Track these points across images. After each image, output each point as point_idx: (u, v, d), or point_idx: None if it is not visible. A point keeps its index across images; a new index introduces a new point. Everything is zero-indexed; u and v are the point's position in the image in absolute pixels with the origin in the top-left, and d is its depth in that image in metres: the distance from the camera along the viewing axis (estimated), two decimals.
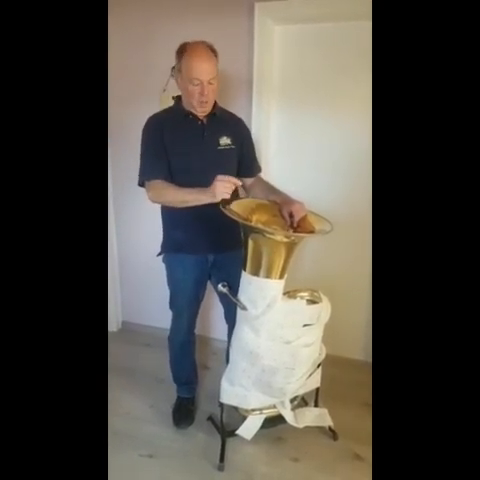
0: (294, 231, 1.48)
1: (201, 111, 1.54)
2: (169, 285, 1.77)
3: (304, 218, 1.47)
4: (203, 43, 1.47)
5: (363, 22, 1.82)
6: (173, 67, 1.54)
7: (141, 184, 1.59)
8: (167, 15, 2.01)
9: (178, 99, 1.62)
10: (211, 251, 1.68)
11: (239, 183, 1.39)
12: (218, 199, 1.35)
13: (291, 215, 1.47)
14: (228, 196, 1.36)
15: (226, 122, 1.64)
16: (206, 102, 1.50)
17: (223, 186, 1.35)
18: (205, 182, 1.48)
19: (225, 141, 1.60)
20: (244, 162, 1.69)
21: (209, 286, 1.81)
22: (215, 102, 1.59)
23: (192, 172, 1.56)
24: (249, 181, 1.72)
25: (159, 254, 1.74)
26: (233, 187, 1.37)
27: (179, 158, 1.56)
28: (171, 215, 1.66)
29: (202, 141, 1.57)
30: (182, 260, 1.68)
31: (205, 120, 1.58)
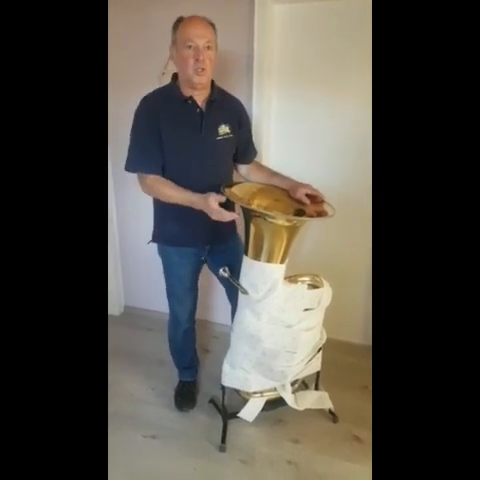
0: (297, 214, 1.48)
1: (198, 81, 1.42)
2: (166, 275, 1.74)
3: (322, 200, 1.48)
4: (199, 16, 1.43)
5: (365, 0, 1.78)
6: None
7: (130, 171, 1.52)
8: None
9: (175, 79, 1.52)
10: (206, 243, 1.65)
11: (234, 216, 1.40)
12: (212, 217, 1.40)
13: (310, 196, 1.47)
14: (223, 219, 1.40)
15: (225, 106, 1.55)
16: (203, 69, 1.39)
17: (220, 214, 1.37)
18: (199, 173, 1.49)
19: (224, 130, 1.52)
20: (241, 148, 1.63)
21: (208, 271, 1.81)
22: (213, 84, 1.52)
23: (187, 164, 1.50)
24: (246, 167, 1.70)
25: (150, 242, 1.70)
26: (228, 217, 1.40)
27: (174, 150, 1.48)
28: (163, 206, 1.57)
29: (200, 133, 1.48)
30: (179, 251, 1.65)
31: (204, 107, 1.49)
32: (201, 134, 1.49)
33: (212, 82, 1.52)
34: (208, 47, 1.40)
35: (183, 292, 1.75)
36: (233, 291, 1.72)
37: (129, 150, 1.51)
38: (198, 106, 1.48)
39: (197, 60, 1.38)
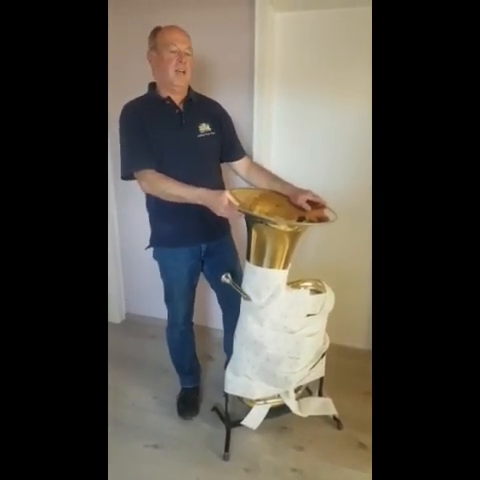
0: (298, 220, 1.48)
1: (178, 84, 1.49)
2: (164, 279, 1.74)
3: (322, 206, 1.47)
4: (178, 26, 1.51)
5: (364, 8, 1.80)
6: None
7: (125, 177, 1.52)
8: (167, 4, 1.98)
9: (152, 86, 1.58)
10: (203, 241, 1.65)
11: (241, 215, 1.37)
12: (217, 214, 1.35)
13: (312, 202, 1.47)
14: (226, 216, 1.36)
15: (203, 108, 1.60)
16: (184, 72, 1.48)
17: (228, 211, 1.32)
18: (186, 173, 1.47)
19: (205, 128, 1.56)
20: (226, 146, 1.66)
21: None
22: (190, 87, 1.58)
23: (172, 162, 1.50)
24: (240, 165, 1.69)
25: (148, 247, 1.70)
26: (237, 216, 1.36)
27: (158, 149, 1.49)
28: (158, 207, 1.58)
29: (181, 130, 1.53)
30: (175, 253, 1.65)
31: (182, 107, 1.54)
32: (182, 132, 1.53)
33: (188, 87, 1.59)
34: (187, 53, 1.49)
35: (179, 295, 1.75)
36: (225, 297, 1.74)
37: (121, 157, 1.52)
38: (177, 106, 1.54)
39: (180, 62, 1.46)
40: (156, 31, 1.51)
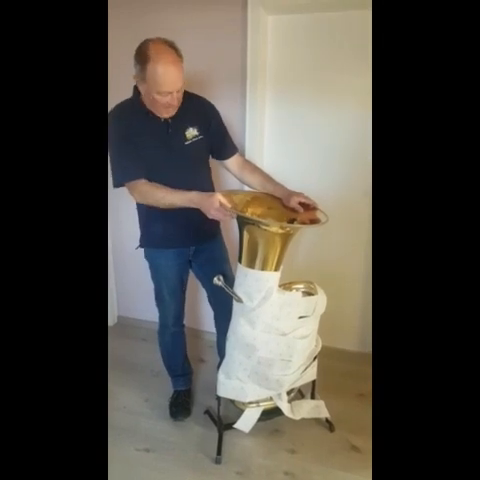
0: (290, 222, 1.48)
1: (167, 116, 1.45)
2: (154, 279, 1.74)
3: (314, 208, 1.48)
4: (166, 44, 1.33)
5: (356, 11, 1.81)
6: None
7: (118, 185, 1.49)
8: (160, 7, 1.98)
9: (137, 91, 1.47)
10: (192, 243, 1.66)
11: (233, 216, 1.35)
12: (208, 216, 1.34)
13: (303, 204, 1.47)
14: (217, 218, 1.35)
15: (190, 111, 1.52)
16: (174, 108, 1.43)
17: (219, 213, 1.31)
18: (175, 180, 1.47)
19: (192, 133, 1.52)
20: (217, 145, 1.62)
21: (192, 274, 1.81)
22: None
23: (160, 171, 1.49)
24: (232, 162, 1.67)
25: (138, 247, 1.70)
26: (228, 218, 1.34)
27: (145, 157, 1.47)
28: (148, 209, 1.56)
29: (167, 139, 1.49)
30: (164, 252, 1.65)
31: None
32: (168, 141, 1.49)
33: None
34: (178, 91, 1.39)
35: (170, 295, 1.75)
36: (215, 296, 1.74)
37: (111, 167, 1.48)
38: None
39: (170, 104, 1.39)
40: (145, 57, 1.31)
